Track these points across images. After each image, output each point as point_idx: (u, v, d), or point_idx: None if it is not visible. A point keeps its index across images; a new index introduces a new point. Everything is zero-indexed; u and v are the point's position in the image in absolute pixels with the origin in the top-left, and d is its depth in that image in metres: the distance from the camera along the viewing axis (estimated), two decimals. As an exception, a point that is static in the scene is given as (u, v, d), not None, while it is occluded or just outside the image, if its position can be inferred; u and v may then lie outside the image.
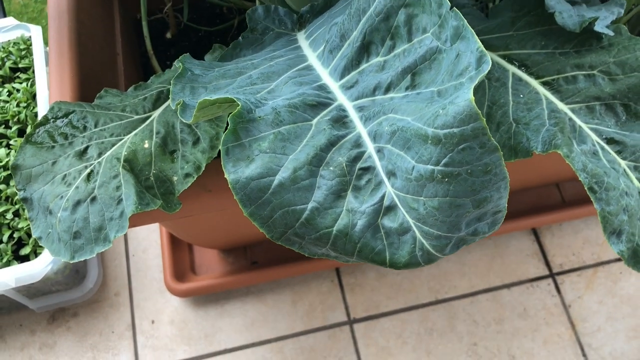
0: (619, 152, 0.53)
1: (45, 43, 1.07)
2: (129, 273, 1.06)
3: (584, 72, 0.56)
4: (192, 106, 0.42)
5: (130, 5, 0.95)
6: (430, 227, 0.36)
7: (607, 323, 1.00)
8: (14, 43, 1.07)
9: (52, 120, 0.60)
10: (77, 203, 0.55)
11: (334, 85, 0.45)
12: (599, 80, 0.55)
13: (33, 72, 1.05)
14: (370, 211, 0.38)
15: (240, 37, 0.59)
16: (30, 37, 1.08)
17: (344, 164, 0.39)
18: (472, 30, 0.34)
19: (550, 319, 1.01)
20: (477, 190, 0.34)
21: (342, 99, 0.43)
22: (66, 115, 0.61)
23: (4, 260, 0.90)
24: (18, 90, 1.02)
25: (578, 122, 0.54)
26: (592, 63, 0.56)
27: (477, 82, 0.33)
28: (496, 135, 0.53)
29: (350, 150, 0.40)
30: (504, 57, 0.58)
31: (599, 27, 0.54)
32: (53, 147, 0.59)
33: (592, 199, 0.47)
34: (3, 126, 1.00)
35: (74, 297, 1.00)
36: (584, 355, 0.98)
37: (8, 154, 0.97)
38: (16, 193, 0.95)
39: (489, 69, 0.33)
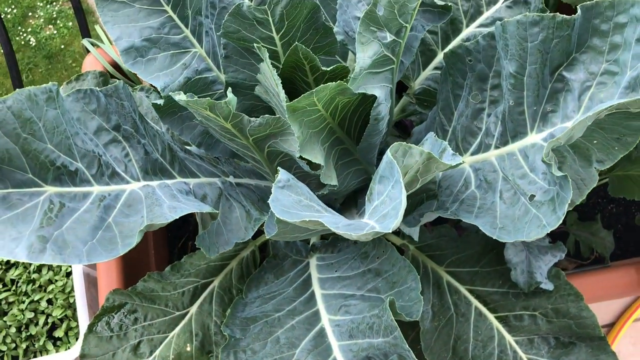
0: (546, 382, 0.72)
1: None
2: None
3: (528, 313, 0.73)
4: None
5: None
6: None
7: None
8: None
9: (108, 311, 0.75)
10: (137, 401, 0.71)
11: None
12: (539, 320, 0.72)
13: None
14: None
15: (265, 262, 0.74)
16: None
17: None
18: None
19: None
20: None
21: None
22: (119, 307, 0.75)
23: (41, 342, 1.06)
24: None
25: (520, 353, 0.72)
26: (535, 306, 0.73)
27: None
28: (458, 370, 0.70)
29: None
30: (470, 291, 0.74)
31: (543, 285, 0.71)
32: (111, 337, 0.74)
33: None
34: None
35: None
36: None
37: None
38: (49, 281, 1.09)
39: None
